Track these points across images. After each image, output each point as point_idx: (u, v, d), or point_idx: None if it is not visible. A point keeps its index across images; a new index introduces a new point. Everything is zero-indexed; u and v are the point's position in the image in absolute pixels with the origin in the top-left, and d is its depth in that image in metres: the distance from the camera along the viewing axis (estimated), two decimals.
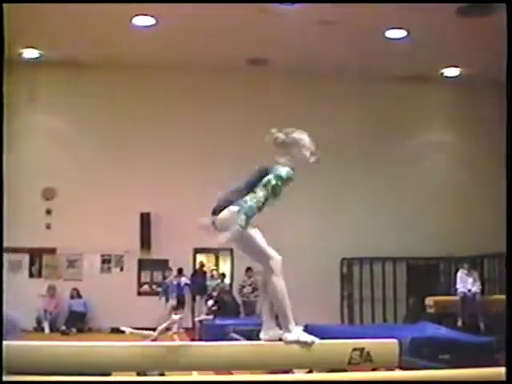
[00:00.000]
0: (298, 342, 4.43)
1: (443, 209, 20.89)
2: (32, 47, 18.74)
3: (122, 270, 20.49)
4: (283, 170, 4.80)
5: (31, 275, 20.20)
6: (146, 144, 19.96)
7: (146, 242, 20.25)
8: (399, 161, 21.19)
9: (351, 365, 4.44)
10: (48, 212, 20.07)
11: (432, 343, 9.95)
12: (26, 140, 19.90)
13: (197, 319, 18.11)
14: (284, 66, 19.49)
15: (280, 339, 4.50)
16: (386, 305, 20.72)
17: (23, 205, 19.19)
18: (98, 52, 18.80)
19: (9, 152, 19.25)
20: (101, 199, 19.74)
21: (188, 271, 19.99)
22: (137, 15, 16.40)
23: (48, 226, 20.01)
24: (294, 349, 4.42)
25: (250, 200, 4.57)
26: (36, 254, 20.14)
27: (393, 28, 17.20)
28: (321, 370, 5.03)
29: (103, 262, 20.40)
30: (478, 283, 17.13)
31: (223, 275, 19.93)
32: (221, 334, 12.16)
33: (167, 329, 18.05)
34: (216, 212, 4.67)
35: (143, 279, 20.71)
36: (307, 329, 4.67)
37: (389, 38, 17.73)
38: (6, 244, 18.65)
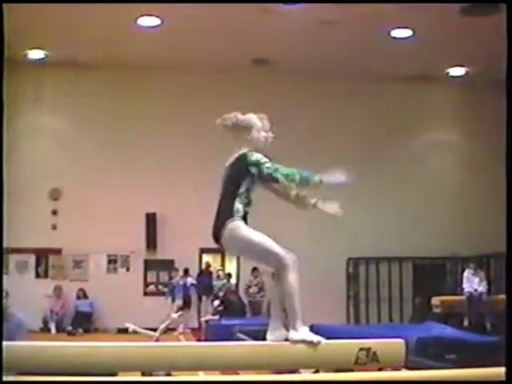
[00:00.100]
0: (304, 341, 4.43)
1: (449, 208, 20.88)
2: (37, 48, 18.78)
3: (128, 270, 20.51)
4: (256, 155, 4.79)
5: (37, 276, 20.23)
6: (151, 144, 19.97)
7: (151, 242, 20.27)
8: (404, 161, 21.18)
9: (357, 365, 4.44)
10: (54, 213, 20.10)
11: (438, 343, 9.93)
12: (32, 140, 19.95)
13: (203, 319, 18.11)
14: (288, 66, 19.48)
15: (286, 339, 4.50)
16: (392, 305, 20.71)
17: (29, 205, 19.26)
18: (103, 52, 18.82)
19: (14, 152, 19.32)
20: (106, 199, 19.75)
21: (194, 271, 20.00)
22: (142, 15, 16.42)
23: (54, 227, 20.03)
24: (300, 349, 4.42)
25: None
26: (42, 255, 20.16)
27: (398, 27, 17.19)
28: (327, 370, 5.03)
29: (109, 262, 20.42)
30: (485, 283, 17.11)
31: (229, 275, 19.92)
32: (227, 334, 12.14)
33: (173, 329, 18.16)
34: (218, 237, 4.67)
35: (149, 279, 20.72)
36: (313, 329, 4.66)
37: (394, 38, 17.71)
38: (12, 245, 18.74)
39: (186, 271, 19.63)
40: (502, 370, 4.31)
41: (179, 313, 12.15)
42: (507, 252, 4.78)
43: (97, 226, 19.45)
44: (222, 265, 20.61)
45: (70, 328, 18.99)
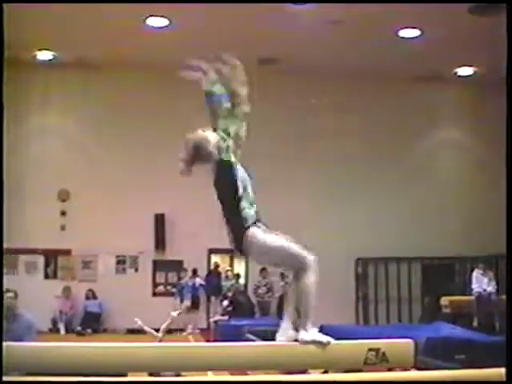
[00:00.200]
0: (314, 342, 4.42)
1: (458, 208, 20.85)
2: (46, 49, 18.83)
3: (136, 270, 20.53)
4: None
5: (46, 276, 20.27)
6: (160, 145, 19.93)
7: (160, 242, 20.28)
8: (413, 161, 21.16)
9: (367, 365, 4.43)
10: (63, 213, 20.13)
11: (447, 343, 9.92)
12: (40, 141, 19.97)
13: (212, 320, 18.12)
14: (295, 66, 19.45)
15: (296, 340, 4.50)
16: (401, 305, 20.70)
17: (37, 206, 19.30)
18: (112, 53, 18.84)
19: (22, 153, 19.42)
20: (115, 200, 19.78)
21: (203, 272, 20.02)
22: (150, 16, 16.44)
23: (63, 228, 20.07)
24: (309, 349, 4.41)
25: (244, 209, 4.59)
26: (51, 256, 20.21)
27: (406, 27, 17.16)
28: (336, 371, 5.03)
29: (118, 262, 20.45)
30: (494, 283, 17.07)
31: (238, 276, 19.94)
32: (236, 335, 12.15)
33: (182, 329, 18.19)
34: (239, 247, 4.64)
35: (158, 280, 20.73)
36: (322, 329, 4.65)
37: (402, 38, 17.69)
38: (21, 245, 18.77)
39: (195, 272, 19.65)
40: (502, 370, 4.31)
41: (178, 311, 12.18)
42: (507, 252, 4.78)
43: (105, 227, 19.47)
44: (231, 265, 20.64)
45: (79, 328, 19.03)
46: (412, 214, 20.58)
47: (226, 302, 17.82)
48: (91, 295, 19.91)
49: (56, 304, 19.53)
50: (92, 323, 19.39)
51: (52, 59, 19.36)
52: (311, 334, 4.45)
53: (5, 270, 19.44)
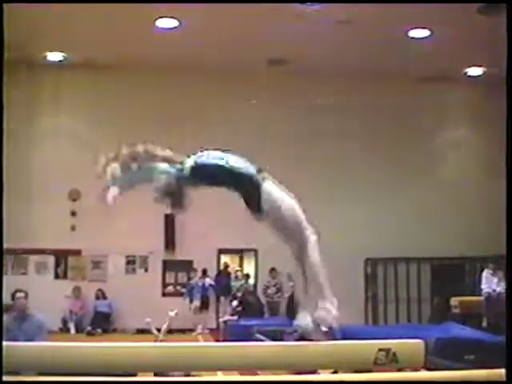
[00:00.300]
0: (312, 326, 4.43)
1: (467, 208, 20.79)
2: (56, 50, 18.86)
3: (146, 270, 20.54)
4: None
5: (57, 277, 20.29)
6: (170, 145, 19.91)
7: (170, 242, 20.29)
8: (422, 161, 21.10)
9: (376, 365, 4.43)
10: (73, 214, 20.15)
11: (457, 343, 9.92)
12: (51, 142, 20.01)
13: (221, 320, 18.12)
14: (304, 66, 19.43)
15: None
16: (410, 305, 20.67)
17: (48, 206, 19.33)
18: (122, 54, 18.88)
19: (33, 153, 19.49)
20: (125, 200, 19.71)
21: (212, 272, 20.02)
22: (160, 17, 16.47)
23: (73, 228, 20.08)
24: (319, 349, 4.42)
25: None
26: (61, 256, 20.24)
27: (416, 27, 17.13)
28: (346, 371, 5.04)
29: (128, 263, 20.47)
30: (503, 283, 17.00)
31: (247, 276, 19.93)
32: (245, 335, 12.17)
33: (191, 329, 18.21)
34: None
35: (168, 280, 20.73)
36: (332, 329, 4.66)
37: (412, 38, 17.66)
38: (31, 245, 18.87)
39: (205, 272, 19.65)
40: (502, 370, 4.31)
41: (175, 311, 12.24)
42: (507, 252, 4.77)
43: (116, 227, 19.46)
44: (240, 265, 20.65)
45: (89, 328, 19.04)
46: (421, 214, 20.52)
47: (235, 302, 17.83)
48: (101, 295, 19.95)
49: (66, 304, 19.56)
50: (102, 323, 19.41)
51: (62, 60, 19.39)
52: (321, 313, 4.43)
53: (15, 271, 19.58)
